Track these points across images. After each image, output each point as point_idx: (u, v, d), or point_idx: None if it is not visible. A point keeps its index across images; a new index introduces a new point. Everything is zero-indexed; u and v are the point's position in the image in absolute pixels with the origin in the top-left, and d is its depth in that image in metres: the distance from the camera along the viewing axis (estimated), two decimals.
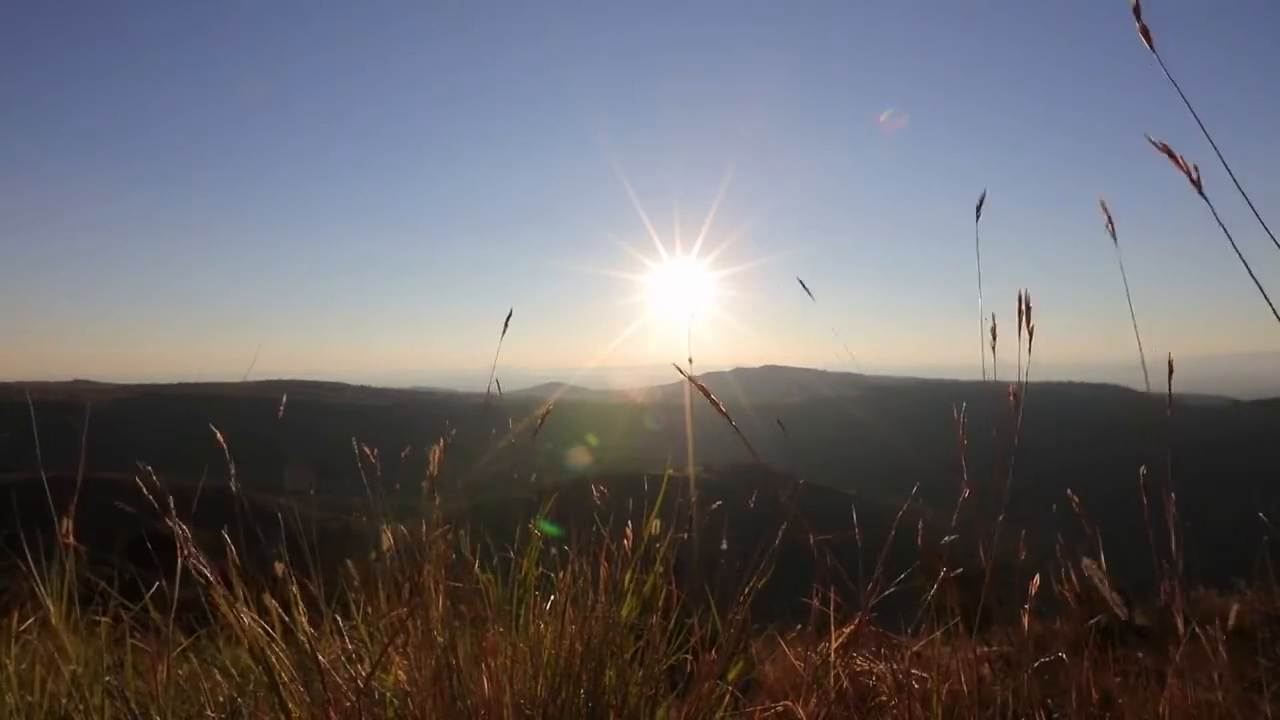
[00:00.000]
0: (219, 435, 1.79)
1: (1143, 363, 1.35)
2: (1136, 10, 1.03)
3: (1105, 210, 1.24)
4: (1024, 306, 1.42)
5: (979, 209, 1.45)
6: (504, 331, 1.85)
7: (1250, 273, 1.01)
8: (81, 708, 1.73)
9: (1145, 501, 1.43)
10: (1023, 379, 1.47)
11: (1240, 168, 1.02)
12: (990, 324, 1.47)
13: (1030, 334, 1.42)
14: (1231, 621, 1.52)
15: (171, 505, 1.72)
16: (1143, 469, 1.45)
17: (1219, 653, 1.55)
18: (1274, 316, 1.00)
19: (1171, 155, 1.04)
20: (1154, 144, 1.04)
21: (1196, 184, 1.04)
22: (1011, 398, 1.51)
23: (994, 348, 1.47)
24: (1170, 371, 1.35)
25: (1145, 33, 1.02)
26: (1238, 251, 1.03)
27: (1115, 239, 1.26)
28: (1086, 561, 1.36)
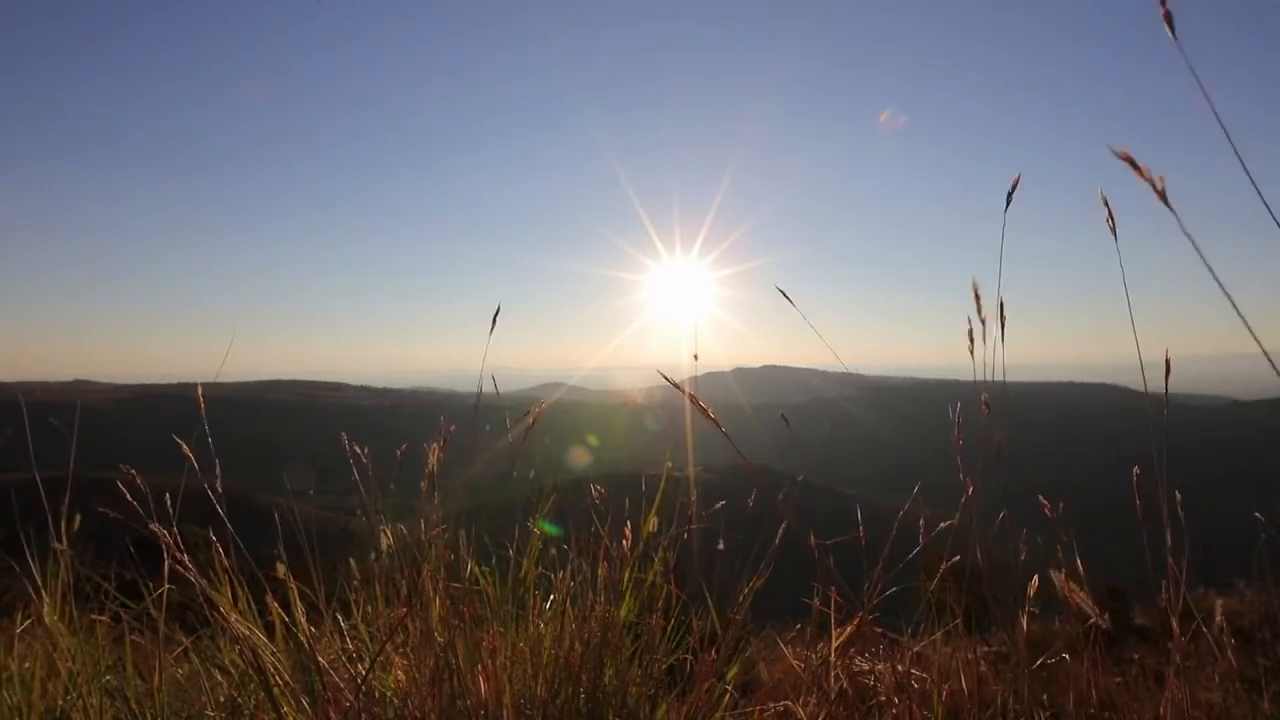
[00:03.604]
0: (184, 445, 1.77)
1: (1140, 362, 1.35)
2: None
3: (1106, 204, 1.22)
4: (1000, 309, 1.43)
5: (1009, 196, 1.39)
6: (492, 327, 1.84)
7: (1217, 280, 0.99)
8: (80, 707, 1.73)
9: (1139, 502, 1.42)
10: (996, 379, 1.47)
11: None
12: (984, 321, 1.45)
13: (1002, 331, 1.42)
14: (1217, 617, 1.51)
15: (169, 506, 1.72)
16: (1135, 470, 1.44)
17: (1223, 652, 1.55)
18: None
19: (1134, 165, 1.02)
20: (1115, 153, 1.02)
21: (1161, 195, 1.02)
22: (984, 406, 1.52)
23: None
24: (1168, 371, 1.33)
25: (1168, 18, 0.98)
26: (1206, 263, 1.01)
27: (1115, 233, 1.25)
28: (1054, 574, 1.35)
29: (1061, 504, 1.63)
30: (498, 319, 1.84)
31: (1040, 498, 1.63)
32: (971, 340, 1.45)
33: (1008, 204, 1.39)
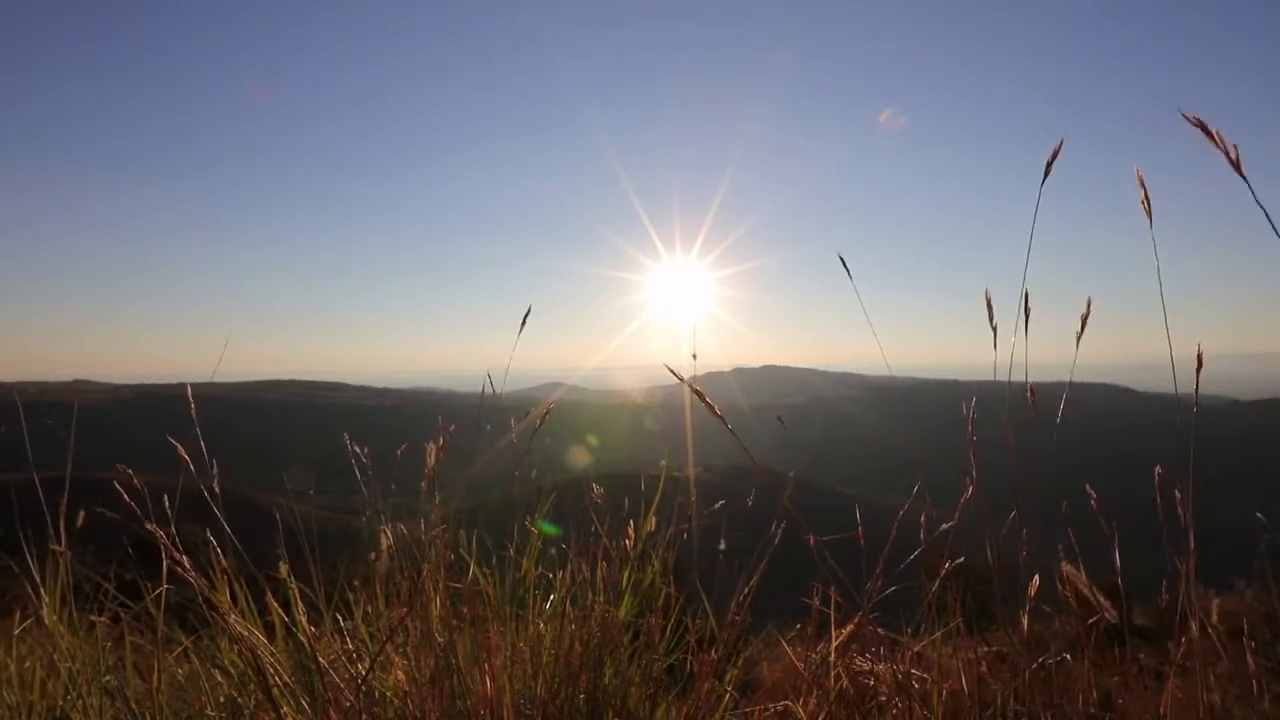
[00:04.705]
0: (179, 447, 1.76)
1: (1172, 359, 1.32)
2: None
3: (1142, 185, 1.15)
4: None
5: (1049, 165, 1.30)
6: (522, 328, 1.85)
7: None
8: (80, 707, 1.73)
9: (1159, 501, 1.42)
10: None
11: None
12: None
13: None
14: (1214, 617, 1.51)
15: (166, 506, 1.72)
16: (1158, 469, 1.44)
17: (1227, 652, 1.55)
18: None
19: (1207, 131, 0.97)
20: (1188, 119, 0.96)
21: (1235, 164, 0.97)
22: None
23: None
24: (1199, 368, 1.25)
25: None
26: (1276, 231, 0.99)
27: (1150, 215, 1.18)
28: (1065, 567, 1.35)
29: (1064, 504, 1.63)
30: (527, 320, 1.84)
31: (1092, 493, 1.63)
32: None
33: (1046, 174, 1.31)
